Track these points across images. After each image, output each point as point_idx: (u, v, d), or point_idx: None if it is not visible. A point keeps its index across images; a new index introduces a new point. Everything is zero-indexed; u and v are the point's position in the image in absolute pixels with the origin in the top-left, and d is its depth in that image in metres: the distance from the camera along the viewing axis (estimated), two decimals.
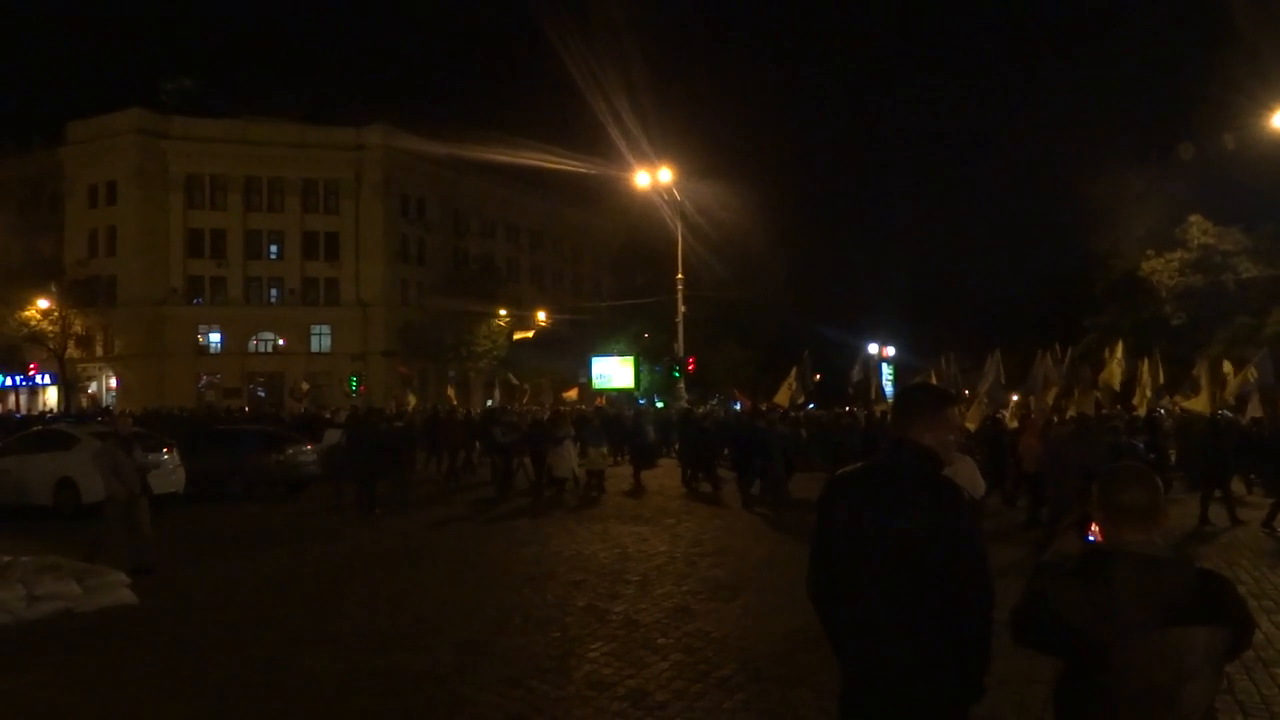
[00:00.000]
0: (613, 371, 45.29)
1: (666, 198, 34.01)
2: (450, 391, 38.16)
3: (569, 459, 18.23)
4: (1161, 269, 40.87)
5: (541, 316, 54.61)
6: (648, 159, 34.36)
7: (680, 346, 33.70)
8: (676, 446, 25.28)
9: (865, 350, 52.56)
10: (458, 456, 22.21)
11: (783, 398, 24.13)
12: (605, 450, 19.48)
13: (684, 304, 33.59)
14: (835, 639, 2.75)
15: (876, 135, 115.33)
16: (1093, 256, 45.56)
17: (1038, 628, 2.43)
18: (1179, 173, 39.87)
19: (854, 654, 2.66)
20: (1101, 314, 43.35)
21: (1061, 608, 2.36)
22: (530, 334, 53.78)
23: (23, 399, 57.46)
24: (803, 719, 5.68)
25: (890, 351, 57.84)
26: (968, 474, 7.07)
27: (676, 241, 33.12)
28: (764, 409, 22.28)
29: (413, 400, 34.08)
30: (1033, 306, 54.52)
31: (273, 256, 59.77)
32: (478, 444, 23.14)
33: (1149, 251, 41.47)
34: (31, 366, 52.32)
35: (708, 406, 36.21)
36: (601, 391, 45.18)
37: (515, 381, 38.52)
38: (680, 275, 33.19)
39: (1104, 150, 79.45)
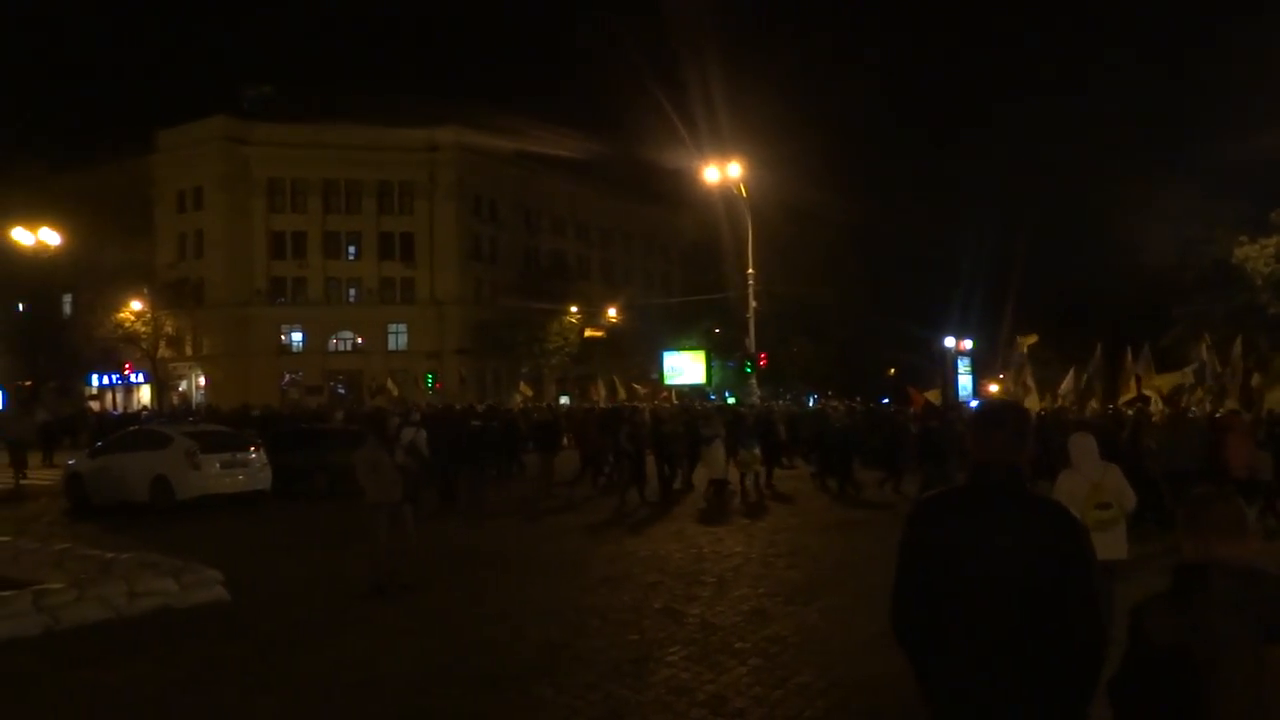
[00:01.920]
0: (684, 367, 45.24)
1: (736, 193, 33.79)
2: (525, 388, 38.51)
3: (721, 460, 16.90)
4: (1256, 255, 39.08)
5: (612, 313, 54.79)
6: (718, 154, 34.24)
7: (752, 342, 33.47)
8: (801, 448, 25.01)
9: (942, 344, 51.31)
10: (603, 459, 19.99)
11: (935, 396, 24.35)
12: (756, 451, 17.86)
13: (755, 299, 33.36)
14: (926, 677, 2.57)
15: (955, 124, 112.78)
16: (1183, 244, 43.82)
17: (1137, 671, 2.35)
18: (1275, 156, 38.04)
19: (951, 694, 2.51)
20: (1191, 303, 41.67)
21: (1156, 632, 2.29)
22: (601, 332, 54.03)
23: (119, 397, 60.10)
24: None
25: (967, 345, 56.38)
26: (1115, 484, 6.49)
27: (747, 237, 32.90)
28: (939, 407, 21.78)
29: (519, 400, 33.84)
30: (1119, 296, 52.67)
31: (351, 257, 61.24)
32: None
33: (1242, 238, 39.72)
34: (126, 366, 54.60)
35: (837, 404, 35.13)
36: (671, 387, 45.13)
37: (639, 387, 38.34)
38: (751, 270, 32.98)
39: (1196, 135, 76.24)
